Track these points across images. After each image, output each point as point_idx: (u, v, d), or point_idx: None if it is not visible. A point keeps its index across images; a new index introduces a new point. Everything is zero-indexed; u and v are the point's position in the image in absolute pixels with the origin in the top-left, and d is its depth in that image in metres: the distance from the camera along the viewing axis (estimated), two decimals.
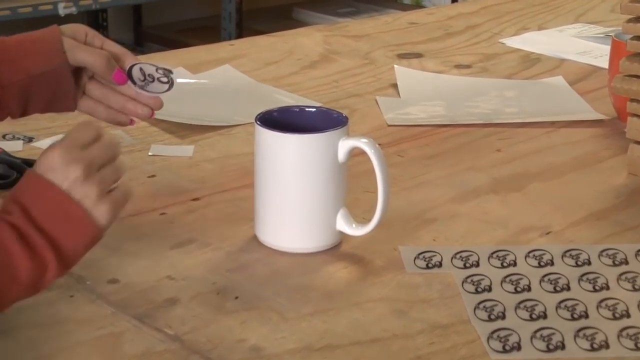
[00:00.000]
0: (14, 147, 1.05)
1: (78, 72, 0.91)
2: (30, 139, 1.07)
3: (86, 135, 0.72)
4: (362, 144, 0.83)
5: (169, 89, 0.92)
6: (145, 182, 0.99)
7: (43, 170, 0.70)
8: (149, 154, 1.05)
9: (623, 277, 0.82)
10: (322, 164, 0.84)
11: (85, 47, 0.89)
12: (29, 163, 0.99)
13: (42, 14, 2.58)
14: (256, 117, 0.85)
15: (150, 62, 0.93)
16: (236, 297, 0.78)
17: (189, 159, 1.05)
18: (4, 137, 1.07)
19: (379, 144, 0.83)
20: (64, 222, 0.69)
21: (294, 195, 0.84)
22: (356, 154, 0.84)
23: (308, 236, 0.85)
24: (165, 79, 0.91)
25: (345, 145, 0.83)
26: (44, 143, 1.06)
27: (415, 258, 0.84)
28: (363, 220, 0.85)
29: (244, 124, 1.14)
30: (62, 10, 2.60)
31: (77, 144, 0.71)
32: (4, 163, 0.98)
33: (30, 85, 0.88)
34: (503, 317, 0.76)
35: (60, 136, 1.05)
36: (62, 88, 0.89)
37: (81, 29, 0.91)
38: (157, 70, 0.91)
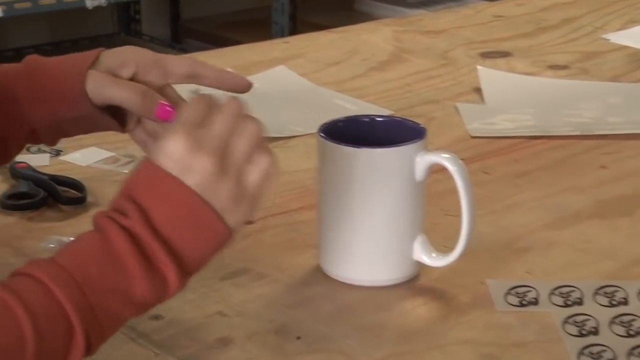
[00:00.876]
0: (40, 162, 1.06)
1: None
2: (58, 152, 1.09)
3: (202, 106, 0.69)
4: (444, 159, 0.83)
5: None
6: None
7: (164, 161, 0.67)
8: None
9: None
10: (396, 183, 0.84)
11: (115, 81, 0.82)
12: (58, 180, 1.00)
13: (66, 7, 2.63)
14: (319, 127, 0.86)
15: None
16: (298, 337, 0.79)
17: None
18: (28, 149, 1.07)
19: (461, 159, 0.84)
20: (191, 228, 0.67)
21: (363, 219, 0.84)
22: (434, 170, 0.85)
23: (380, 267, 0.86)
24: None
25: (423, 161, 0.84)
26: (73, 157, 1.08)
27: (506, 294, 0.84)
28: (444, 248, 0.86)
29: (302, 135, 1.15)
30: (89, 2, 2.64)
31: (196, 121, 0.69)
32: (29, 180, 1.00)
33: (61, 126, 0.85)
34: None
35: (92, 149, 1.09)
36: (100, 128, 0.86)
37: (131, 57, 0.83)
38: None
